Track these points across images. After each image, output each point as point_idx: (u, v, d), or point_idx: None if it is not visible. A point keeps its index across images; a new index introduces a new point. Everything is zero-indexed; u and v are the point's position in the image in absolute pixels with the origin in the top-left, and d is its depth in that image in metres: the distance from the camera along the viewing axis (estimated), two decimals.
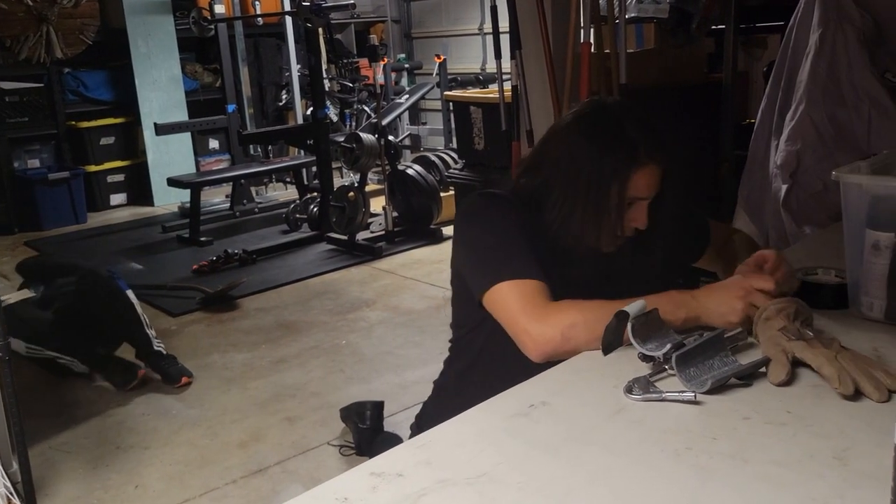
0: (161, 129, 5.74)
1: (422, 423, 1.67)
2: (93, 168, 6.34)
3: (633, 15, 3.58)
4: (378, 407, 2.58)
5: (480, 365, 1.54)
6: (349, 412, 2.60)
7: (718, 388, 1.09)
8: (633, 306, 1.20)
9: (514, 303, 1.31)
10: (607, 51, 3.25)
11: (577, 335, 1.25)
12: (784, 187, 2.40)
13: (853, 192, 1.36)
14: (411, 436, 1.63)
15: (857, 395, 1.08)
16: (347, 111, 7.08)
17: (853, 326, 1.32)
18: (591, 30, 3.19)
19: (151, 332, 3.11)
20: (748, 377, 1.12)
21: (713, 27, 3.61)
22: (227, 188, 6.12)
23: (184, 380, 3.02)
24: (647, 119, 1.40)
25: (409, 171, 5.10)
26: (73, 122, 6.28)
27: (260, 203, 6.11)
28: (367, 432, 2.50)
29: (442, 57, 6.78)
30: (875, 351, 1.22)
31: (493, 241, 1.39)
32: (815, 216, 2.35)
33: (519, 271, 1.33)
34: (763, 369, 1.13)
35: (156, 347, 3.08)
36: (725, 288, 1.28)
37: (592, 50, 3.20)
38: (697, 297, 1.28)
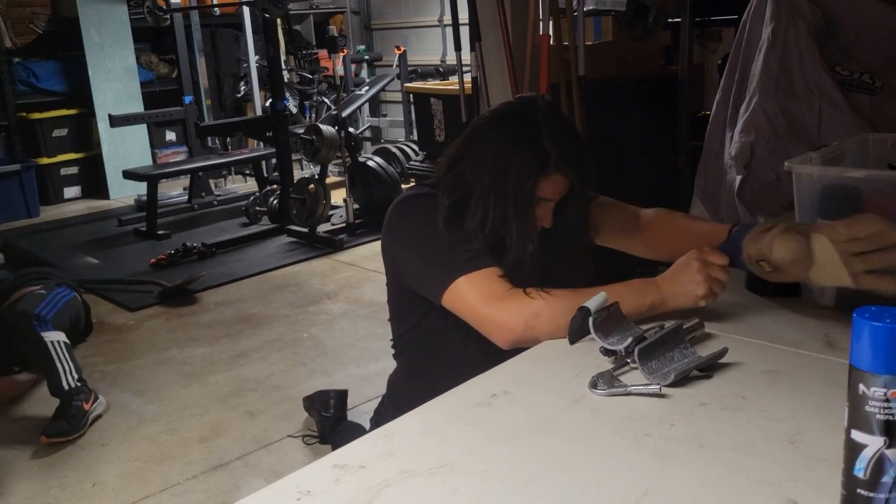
0: (116, 121, 5.64)
1: (380, 420, 1.68)
2: (45, 160, 6.20)
3: (591, 7, 3.61)
4: (342, 395, 2.58)
5: (431, 360, 1.55)
6: (312, 401, 2.60)
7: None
8: (594, 300, 1.21)
9: (473, 295, 1.32)
10: (566, 43, 3.28)
11: (540, 324, 1.27)
12: (738, 178, 2.44)
13: (805, 182, 1.39)
14: (370, 430, 1.63)
15: (809, 381, 1.11)
16: (307, 103, 7.02)
17: (805, 313, 1.36)
18: (550, 22, 3.21)
19: (65, 366, 2.75)
20: (708, 368, 1.14)
21: (669, 20, 3.66)
22: (185, 181, 6.03)
23: (42, 438, 2.59)
24: (566, 131, 1.42)
25: (370, 163, 5.08)
26: (24, 114, 6.13)
27: (219, 196, 6.04)
28: (330, 420, 2.50)
29: (402, 48, 6.75)
30: (826, 337, 1.26)
31: (435, 240, 1.39)
32: (769, 206, 2.40)
33: (471, 263, 1.34)
34: (722, 360, 1.16)
35: (64, 383, 2.72)
36: (682, 268, 1.30)
37: (551, 42, 3.22)
38: (660, 283, 1.30)
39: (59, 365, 2.73)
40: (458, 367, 1.23)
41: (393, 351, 1.67)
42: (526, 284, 1.33)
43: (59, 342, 2.79)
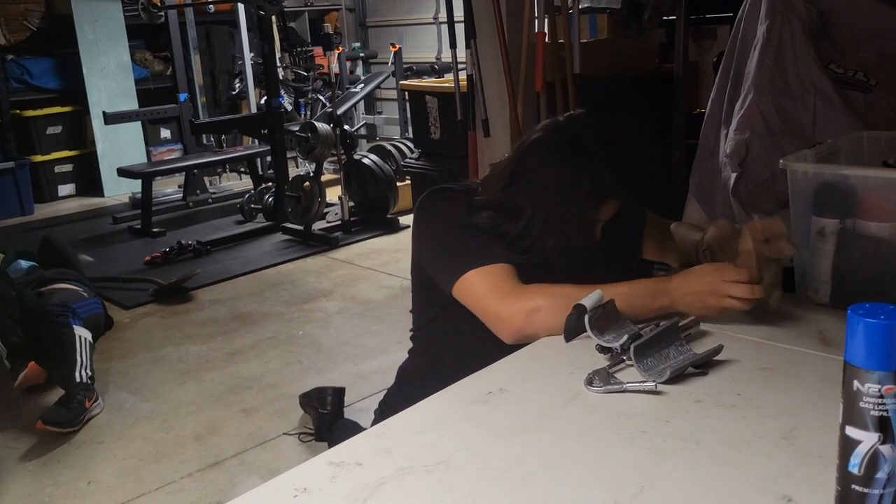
0: (110, 118, 5.62)
1: (385, 410, 1.68)
2: (39, 158, 6.18)
3: (586, 5, 3.61)
4: (339, 393, 2.58)
5: (450, 351, 1.55)
6: (309, 398, 2.60)
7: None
8: (590, 298, 1.21)
9: (482, 289, 1.35)
10: (561, 41, 3.28)
11: (540, 318, 1.29)
12: (733, 175, 2.45)
13: (799, 179, 1.39)
14: (374, 422, 1.63)
15: (804, 377, 1.12)
16: (302, 100, 7.01)
17: (799, 310, 1.36)
18: (546, 19, 3.21)
19: (83, 361, 2.80)
20: (703, 365, 1.15)
21: (665, 18, 3.66)
22: (180, 178, 6.02)
23: (39, 424, 2.59)
24: (617, 154, 1.43)
25: (365, 161, 5.08)
26: (18, 111, 6.11)
27: (213, 193, 6.03)
28: (327, 418, 2.50)
29: (397, 46, 6.74)
30: (821, 334, 1.27)
31: (453, 233, 1.42)
32: (764, 203, 2.40)
33: (483, 257, 1.36)
34: (717, 357, 1.16)
35: (77, 376, 2.75)
36: (699, 281, 1.27)
37: (547, 40, 3.22)
38: (672, 289, 1.29)
39: (78, 358, 2.81)
40: (477, 361, 1.23)
41: (411, 343, 1.67)
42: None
43: (85, 339, 2.90)
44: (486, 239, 1.40)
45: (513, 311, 1.30)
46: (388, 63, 6.93)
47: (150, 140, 6.67)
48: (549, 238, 1.39)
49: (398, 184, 5.09)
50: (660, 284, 1.31)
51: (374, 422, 1.59)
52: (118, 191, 6.24)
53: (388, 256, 4.45)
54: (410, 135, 5.49)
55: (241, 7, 6.47)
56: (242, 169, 6.39)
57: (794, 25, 2.33)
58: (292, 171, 5.48)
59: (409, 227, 1.59)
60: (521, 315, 1.29)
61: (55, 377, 2.82)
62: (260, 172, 5.89)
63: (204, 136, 6.43)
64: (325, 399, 2.55)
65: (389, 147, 5.80)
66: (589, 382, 1.11)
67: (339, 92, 6.36)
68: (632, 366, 1.14)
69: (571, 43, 3.24)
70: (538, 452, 0.95)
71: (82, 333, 2.90)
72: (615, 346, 1.17)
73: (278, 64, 6.24)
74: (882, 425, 0.69)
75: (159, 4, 5.75)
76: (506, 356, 1.24)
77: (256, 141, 6.30)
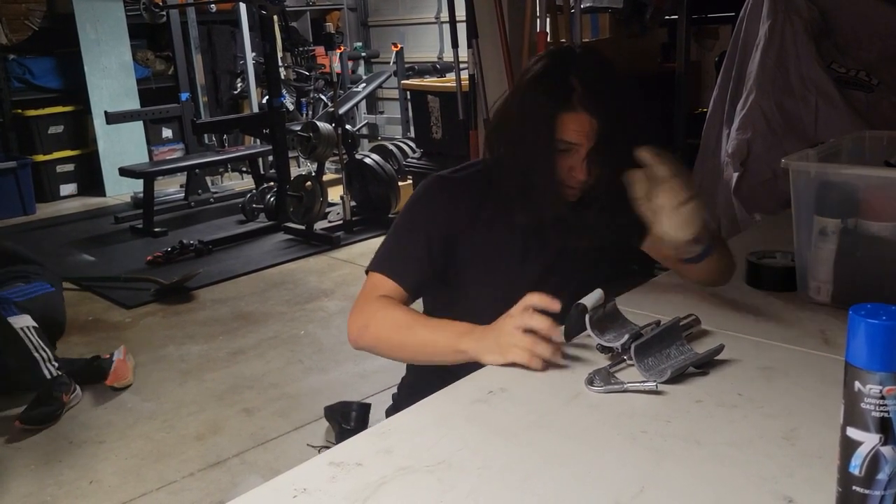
0: (112, 118, 5.62)
1: (399, 403, 1.66)
2: (41, 158, 6.18)
3: (588, 5, 3.61)
4: (364, 408, 2.52)
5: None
6: (333, 412, 2.55)
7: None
8: (590, 298, 1.21)
9: (361, 291, 1.39)
10: (563, 40, 3.28)
11: (367, 335, 1.33)
12: (735, 175, 2.45)
13: (801, 179, 1.39)
14: (389, 408, 1.63)
15: (805, 378, 1.11)
16: (304, 100, 7.01)
17: (801, 310, 1.36)
18: (547, 19, 3.21)
19: (42, 355, 2.70)
20: (704, 365, 1.15)
21: (666, 18, 3.66)
22: (182, 178, 6.02)
23: (17, 423, 2.60)
24: (601, 71, 1.35)
25: (367, 161, 5.08)
26: (20, 111, 6.11)
27: (215, 193, 6.03)
28: (349, 434, 2.43)
29: (399, 45, 6.74)
30: (822, 334, 1.26)
31: (393, 231, 1.44)
32: (765, 203, 2.41)
33: (385, 265, 1.39)
34: (718, 357, 1.16)
35: (45, 373, 2.69)
36: (496, 335, 1.19)
37: (548, 39, 3.22)
38: (476, 335, 1.22)
39: (36, 354, 2.67)
40: (467, 365, 1.22)
41: None
42: (540, 251, 1.36)
43: (28, 328, 2.68)
44: (409, 250, 1.40)
45: (352, 322, 1.35)
46: (389, 63, 6.93)
47: (152, 139, 6.67)
48: (523, 154, 1.30)
49: (400, 183, 5.08)
50: (467, 329, 1.24)
51: (390, 408, 1.60)
52: (120, 190, 6.25)
53: None
54: (412, 134, 5.49)
55: (242, 6, 6.47)
56: (244, 168, 6.39)
57: (796, 25, 2.34)
58: (294, 171, 5.48)
59: None
60: (354, 328, 1.35)
61: (26, 381, 2.67)
62: (262, 172, 5.89)
63: (206, 135, 6.43)
64: (349, 414, 2.49)
65: (391, 147, 5.80)
66: (590, 382, 1.10)
67: (341, 91, 6.36)
68: (633, 365, 1.14)
69: (573, 42, 3.24)
70: (539, 452, 0.95)
71: (22, 323, 2.65)
72: (616, 346, 1.17)
73: (280, 63, 6.24)
74: (883, 426, 0.69)
75: (161, 4, 5.76)
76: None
77: (258, 140, 6.30)
